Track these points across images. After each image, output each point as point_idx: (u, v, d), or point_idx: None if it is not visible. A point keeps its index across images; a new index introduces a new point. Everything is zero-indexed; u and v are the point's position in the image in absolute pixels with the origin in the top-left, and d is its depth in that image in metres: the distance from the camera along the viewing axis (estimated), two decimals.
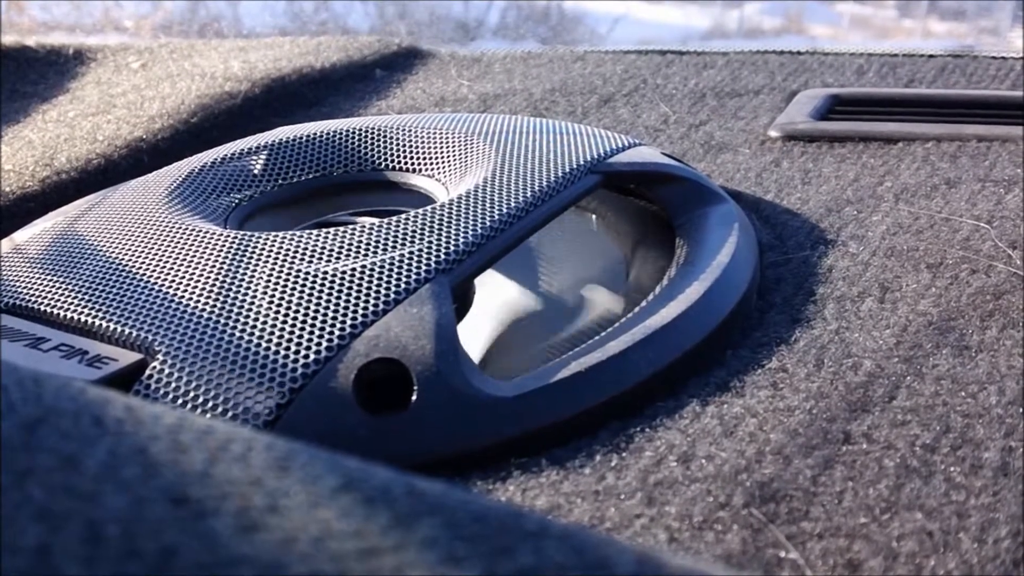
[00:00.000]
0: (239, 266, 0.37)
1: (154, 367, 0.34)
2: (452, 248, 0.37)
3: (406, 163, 0.49)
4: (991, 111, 0.65)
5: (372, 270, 0.36)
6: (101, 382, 0.33)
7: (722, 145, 0.61)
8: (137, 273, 0.38)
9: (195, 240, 0.40)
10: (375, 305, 0.35)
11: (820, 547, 0.28)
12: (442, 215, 0.39)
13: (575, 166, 0.43)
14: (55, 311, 0.38)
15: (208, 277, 0.37)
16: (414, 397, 0.32)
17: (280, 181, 0.49)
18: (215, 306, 0.35)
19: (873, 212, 0.49)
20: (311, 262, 0.37)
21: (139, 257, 0.39)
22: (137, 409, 0.19)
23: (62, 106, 0.79)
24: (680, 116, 0.68)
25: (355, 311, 0.34)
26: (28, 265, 0.42)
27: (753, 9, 2.54)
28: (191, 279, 0.37)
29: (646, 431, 0.34)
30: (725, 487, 0.30)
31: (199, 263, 0.38)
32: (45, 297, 0.39)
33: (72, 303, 0.38)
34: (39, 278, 0.40)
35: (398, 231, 0.38)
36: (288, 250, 0.38)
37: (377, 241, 0.37)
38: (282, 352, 0.33)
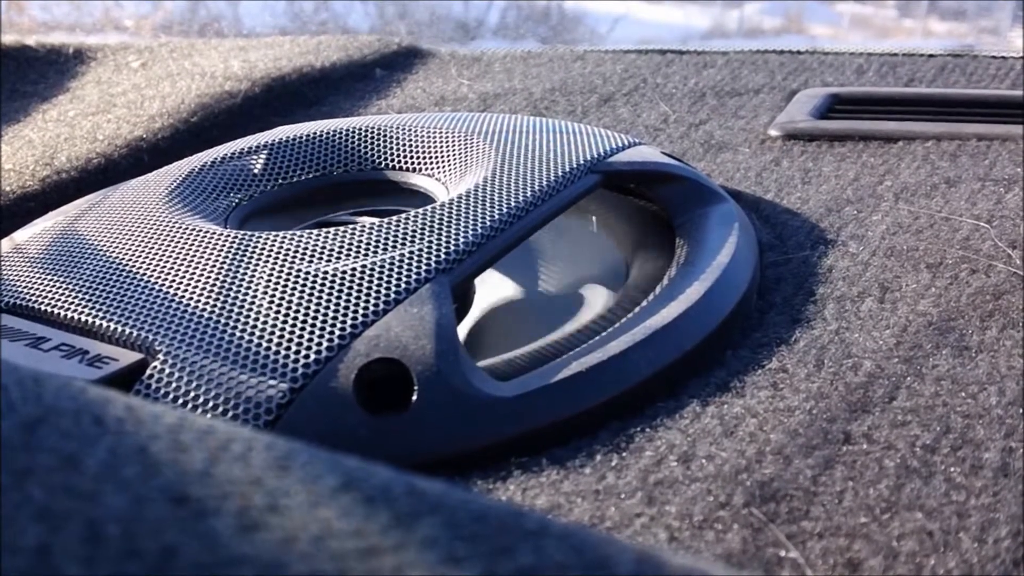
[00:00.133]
0: (239, 266, 0.37)
1: (154, 367, 0.34)
2: (452, 248, 0.37)
3: (406, 162, 0.49)
4: (991, 110, 0.65)
5: (372, 270, 0.36)
6: (101, 382, 0.33)
7: (722, 144, 0.61)
8: (137, 273, 0.38)
9: (195, 240, 0.40)
10: (375, 305, 0.35)
11: (820, 546, 0.28)
12: (442, 215, 0.39)
13: (575, 165, 0.43)
14: (55, 311, 0.38)
15: (208, 277, 0.37)
16: (414, 397, 0.32)
17: (280, 181, 0.49)
18: (215, 306, 0.35)
19: (873, 211, 0.49)
20: (311, 262, 0.37)
21: (139, 257, 0.39)
22: (137, 409, 0.19)
23: (62, 105, 0.79)
24: (680, 115, 0.68)
25: (355, 311, 0.34)
26: (28, 265, 0.42)
27: (753, 9, 2.54)
28: (191, 279, 0.37)
29: (646, 431, 0.34)
30: (725, 487, 0.30)
31: (199, 263, 0.38)
32: (45, 297, 0.39)
33: (72, 303, 0.38)
34: (39, 278, 0.40)
35: (398, 231, 0.38)
36: (288, 250, 0.38)
37: (377, 241, 0.37)
38: (282, 352, 0.33)
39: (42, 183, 0.61)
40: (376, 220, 0.39)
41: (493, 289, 0.48)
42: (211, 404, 0.32)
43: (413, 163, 0.49)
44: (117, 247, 0.41)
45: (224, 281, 0.36)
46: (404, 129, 0.50)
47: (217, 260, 0.38)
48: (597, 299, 0.44)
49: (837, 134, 0.60)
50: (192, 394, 0.33)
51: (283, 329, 0.34)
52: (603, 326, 0.38)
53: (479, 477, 0.32)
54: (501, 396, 0.33)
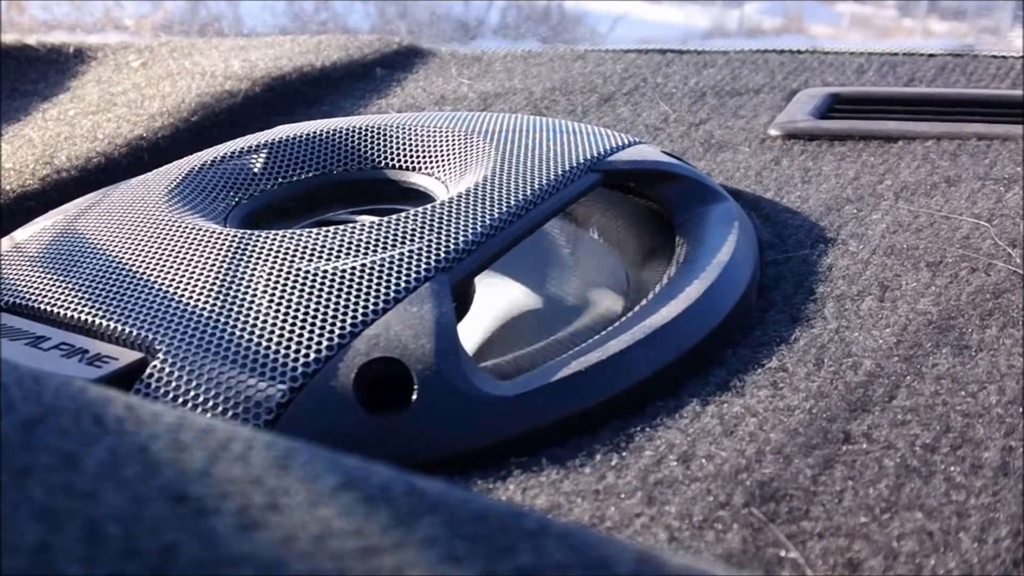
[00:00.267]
0: (239, 265, 0.37)
1: (154, 366, 0.34)
2: (452, 246, 0.37)
3: (406, 162, 0.49)
4: (991, 110, 0.65)
5: (372, 269, 0.36)
6: (101, 381, 0.33)
7: (722, 143, 0.61)
8: (137, 272, 0.38)
9: (195, 239, 0.39)
10: (375, 304, 0.34)
11: (820, 546, 0.28)
12: (442, 213, 0.39)
13: (575, 164, 0.43)
14: (55, 310, 0.38)
15: (208, 276, 0.37)
16: (414, 396, 0.32)
17: (280, 180, 0.49)
18: (215, 305, 0.35)
19: (873, 210, 0.49)
20: (311, 261, 0.37)
21: (139, 256, 0.39)
22: (137, 408, 0.19)
23: (62, 104, 0.79)
24: (680, 115, 0.68)
25: (355, 310, 0.34)
26: (28, 264, 0.42)
27: (753, 8, 2.54)
28: (191, 278, 0.37)
29: (646, 430, 0.34)
30: (725, 486, 0.30)
31: (199, 262, 0.38)
32: (45, 296, 0.39)
33: (72, 302, 0.38)
34: (39, 277, 0.40)
35: (398, 229, 0.38)
36: (288, 249, 0.38)
37: (377, 240, 0.37)
38: (282, 351, 0.33)
39: (42, 182, 0.61)
40: (376, 219, 0.39)
41: (493, 290, 0.48)
42: (211, 403, 0.32)
43: (413, 162, 0.49)
44: (117, 246, 0.41)
45: (224, 280, 0.36)
46: (404, 128, 0.50)
47: (217, 259, 0.38)
48: (596, 298, 0.44)
49: (837, 134, 0.60)
50: (192, 393, 0.33)
51: (283, 328, 0.34)
52: (602, 325, 0.38)
53: (479, 477, 0.32)
54: (501, 395, 0.33)
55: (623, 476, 0.31)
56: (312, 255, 0.37)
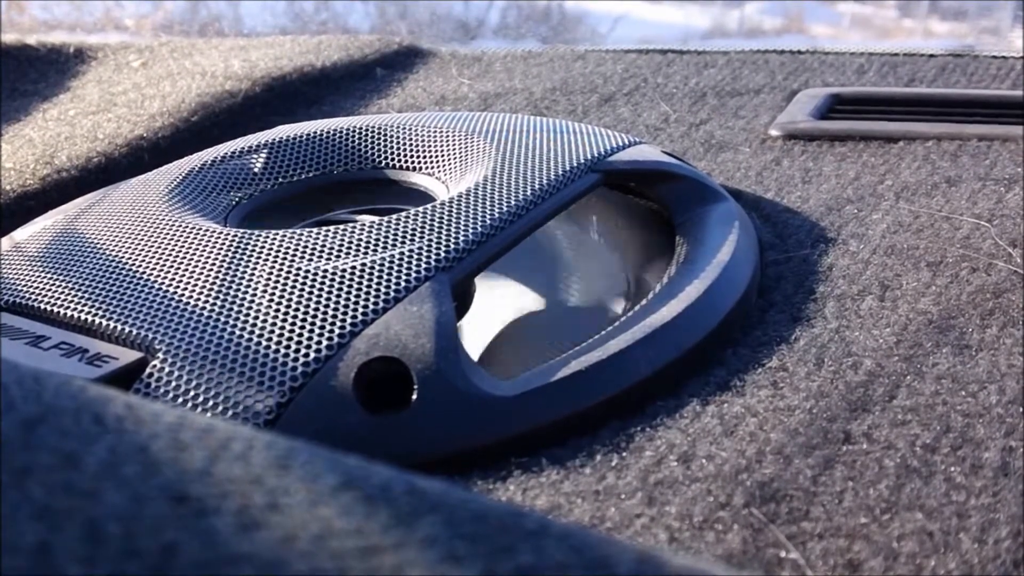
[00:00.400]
0: (239, 264, 0.37)
1: (154, 365, 0.34)
2: (452, 246, 0.37)
3: (406, 161, 0.49)
4: (992, 110, 0.65)
5: (372, 268, 0.36)
6: (101, 380, 0.33)
7: (723, 144, 0.61)
8: (137, 271, 0.38)
9: (195, 238, 0.39)
10: (375, 303, 0.34)
11: (820, 547, 0.28)
12: (442, 213, 0.39)
13: (575, 164, 0.43)
14: (55, 309, 0.38)
15: (208, 275, 0.37)
16: (414, 396, 0.32)
17: (280, 179, 0.49)
18: (215, 304, 0.35)
19: (873, 211, 0.49)
20: (311, 260, 0.37)
21: (139, 255, 0.39)
22: (137, 407, 0.19)
23: (63, 104, 0.79)
24: (681, 115, 0.68)
25: (355, 309, 0.34)
26: (28, 263, 0.42)
27: (753, 9, 2.54)
28: (191, 277, 0.37)
29: (646, 430, 0.34)
30: (725, 487, 0.30)
31: (199, 261, 0.38)
32: (45, 295, 0.39)
33: (72, 301, 0.38)
34: (39, 276, 0.40)
35: (398, 229, 0.38)
36: (288, 248, 0.38)
37: (377, 239, 0.37)
38: (282, 351, 0.33)
39: (42, 182, 0.61)
40: (376, 219, 0.39)
41: (493, 289, 0.48)
42: (211, 403, 0.32)
43: (413, 162, 0.49)
44: (117, 246, 0.41)
45: (224, 279, 0.36)
46: (404, 128, 0.50)
47: (217, 259, 0.38)
48: (597, 298, 0.44)
49: (838, 134, 0.60)
50: (192, 393, 0.33)
51: (283, 327, 0.34)
52: (603, 325, 0.38)
53: (479, 477, 0.32)
54: (501, 395, 0.33)
55: (623, 476, 0.31)
56: (312, 255, 0.37)
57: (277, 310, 0.35)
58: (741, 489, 0.30)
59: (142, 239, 0.41)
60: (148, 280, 0.38)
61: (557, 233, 0.51)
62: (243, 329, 0.34)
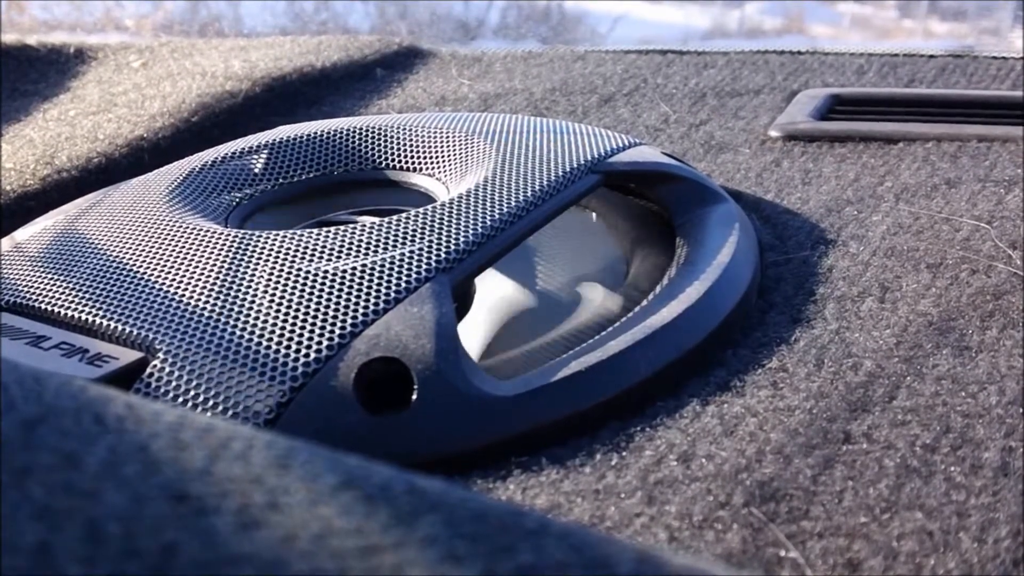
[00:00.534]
0: (240, 265, 0.37)
1: (155, 365, 0.34)
2: (452, 247, 0.37)
3: (406, 162, 0.49)
4: (991, 111, 0.65)
5: (372, 269, 0.36)
6: (102, 380, 0.33)
7: (722, 145, 0.61)
8: (138, 272, 0.38)
9: (196, 239, 0.40)
10: (375, 304, 0.35)
11: (820, 546, 0.28)
12: (442, 214, 0.39)
13: (575, 165, 0.43)
14: (56, 309, 0.38)
15: (209, 276, 0.37)
16: (414, 396, 0.32)
17: (281, 180, 0.49)
18: (216, 305, 0.35)
19: (873, 212, 0.49)
20: (312, 261, 0.37)
21: (140, 256, 0.39)
22: (138, 407, 0.19)
23: (63, 105, 0.79)
24: (680, 116, 0.68)
25: (355, 310, 0.34)
26: (29, 263, 0.42)
27: (753, 9, 2.54)
28: (192, 278, 0.37)
29: (646, 430, 0.34)
30: (725, 486, 0.30)
31: (200, 262, 0.38)
32: (46, 295, 0.39)
33: (73, 301, 0.38)
34: (40, 276, 0.40)
35: (398, 230, 0.38)
36: (289, 249, 0.38)
37: (378, 240, 0.37)
38: (283, 351, 0.33)
39: (43, 182, 0.61)
40: (376, 219, 0.39)
41: (493, 290, 0.48)
42: (211, 402, 0.32)
43: (413, 163, 0.49)
44: (117, 246, 0.41)
45: (224, 280, 0.37)
46: (404, 129, 0.50)
47: (217, 259, 0.38)
48: (597, 299, 0.44)
49: (837, 135, 0.60)
50: (192, 392, 0.33)
51: (283, 328, 0.34)
52: (603, 326, 0.38)
53: (479, 476, 0.32)
54: (501, 395, 0.33)
55: (623, 476, 0.31)
56: (313, 255, 0.37)
57: (277, 310, 0.35)
58: (741, 488, 0.30)
59: (142, 239, 0.41)
60: (148, 280, 0.38)
61: (556, 234, 0.51)
62: (243, 329, 0.34)
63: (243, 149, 0.50)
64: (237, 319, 0.35)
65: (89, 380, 0.23)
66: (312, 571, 0.15)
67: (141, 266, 0.39)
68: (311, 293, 0.35)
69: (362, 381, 0.33)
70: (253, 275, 0.37)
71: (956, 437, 0.32)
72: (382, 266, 0.36)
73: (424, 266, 0.36)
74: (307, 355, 0.33)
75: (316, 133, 0.51)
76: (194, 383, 0.33)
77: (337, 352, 0.33)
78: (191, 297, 0.36)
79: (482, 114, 0.51)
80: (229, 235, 0.39)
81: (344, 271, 0.36)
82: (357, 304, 0.34)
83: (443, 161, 0.48)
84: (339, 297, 0.35)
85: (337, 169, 0.50)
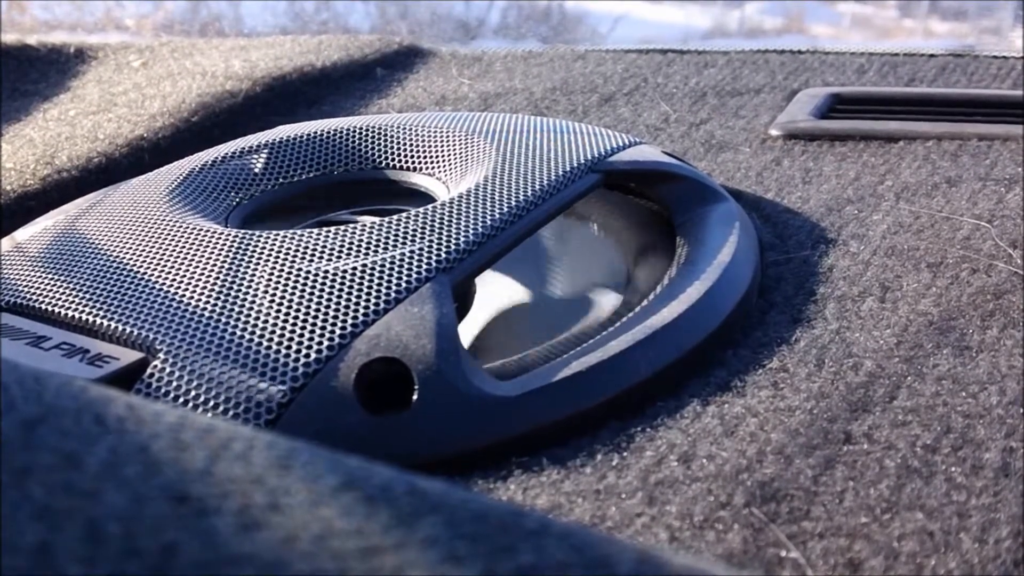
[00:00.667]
0: (240, 265, 0.37)
1: (155, 366, 0.34)
2: (453, 247, 0.37)
3: (407, 162, 0.49)
4: (992, 110, 0.65)
5: (373, 269, 0.36)
6: (102, 381, 0.33)
7: (723, 144, 0.61)
8: (138, 272, 0.38)
9: (196, 239, 0.40)
10: (376, 304, 0.34)
11: (821, 546, 0.28)
12: (443, 214, 0.39)
13: (576, 165, 0.43)
14: (56, 309, 0.38)
15: (209, 276, 0.37)
16: (415, 396, 0.32)
17: (281, 180, 0.49)
18: (216, 305, 0.35)
19: (874, 211, 0.49)
20: (312, 261, 0.37)
21: (140, 256, 0.39)
22: (138, 407, 0.19)
23: (63, 104, 0.79)
24: (681, 115, 0.68)
25: (356, 310, 0.34)
26: (29, 263, 0.42)
27: (754, 9, 2.54)
28: (192, 278, 0.37)
29: (647, 431, 0.34)
30: (726, 486, 0.30)
31: (200, 262, 0.38)
32: (46, 295, 0.39)
33: (73, 302, 0.38)
34: (40, 276, 0.40)
35: (399, 230, 0.38)
36: (289, 249, 0.38)
37: (378, 240, 0.37)
38: (283, 351, 0.33)
39: (43, 182, 0.61)
40: (377, 219, 0.39)
41: (493, 290, 0.48)
42: (212, 403, 0.32)
43: (414, 162, 0.49)
44: (118, 246, 0.41)
45: (225, 280, 0.36)
46: (405, 128, 0.50)
47: (218, 259, 0.38)
48: (597, 299, 0.44)
49: (838, 134, 0.60)
50: (193, 393, 0.33)
51: (284, 328, 0.34)
52: (603, 326, 0.38)
53: (480, 477, 0.32)
54: (502, 395, 0.33)
55: (624, 476, 0.31)
56: (313, 255, 0.37)
57: (278, 311, 0.35)
58: (742, 489, 0.30)
59: (143, 239, 0.41)
60: (149, 281, 0.38)
61: (557, 234, 0.51)
62: (244, 329, 0.34)
63: (243, 149, 0.50)
64: (238, 319, 0.35)
65: (90, 380, 0.23)
66: (313, 572, 0.15)
67: (141, 266, 0.39)
68: (312, 293, 0.35)
69: (363, 381, 0.33)
70: (253, 275, 0.37)
71: (957, 437, 0.32)
72: (382, 266, 0.36)
73: (424, 266, 0.36)
74: (308, 355, 0.33)
75: (316, 133, 0.51)
76: (195, 383, 0.33)
77: (338, 352, 0.33)
78: (192, 297, 0.36)
79: (482, 113, 0.51)
80: (229, 235, 0.39)
81: (344, 271, 0.36)
82: (357, 304, 0.34)
83: (443, 161, 0.48)
84: (339, 297, 0.35)
85: (337, 169, 0.50)
